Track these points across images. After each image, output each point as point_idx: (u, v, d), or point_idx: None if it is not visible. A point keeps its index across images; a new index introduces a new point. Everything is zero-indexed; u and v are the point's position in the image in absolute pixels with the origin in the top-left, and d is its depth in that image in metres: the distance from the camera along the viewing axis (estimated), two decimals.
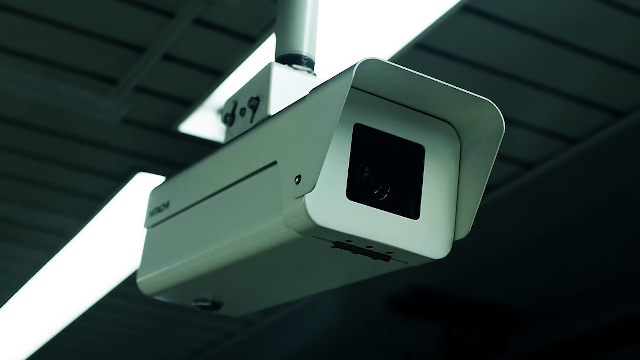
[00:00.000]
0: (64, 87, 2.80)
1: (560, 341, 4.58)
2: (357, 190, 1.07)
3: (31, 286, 4.32)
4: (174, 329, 4.93)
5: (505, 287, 4.20)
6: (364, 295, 4.20)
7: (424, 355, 4.79)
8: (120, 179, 3.37)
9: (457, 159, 1.13)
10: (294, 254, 1.10)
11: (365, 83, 1.07)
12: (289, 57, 1.29)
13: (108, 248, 3.84)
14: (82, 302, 4.42)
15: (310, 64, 1.29)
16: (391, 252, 1.08)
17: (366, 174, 1.09)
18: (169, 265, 1.27)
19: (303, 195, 1.02)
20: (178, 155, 3.18)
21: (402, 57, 2.51)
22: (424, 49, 2.57)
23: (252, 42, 2.54)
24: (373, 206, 1.07)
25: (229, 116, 1.30)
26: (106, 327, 4.86)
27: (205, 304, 1.30)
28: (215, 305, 1.30)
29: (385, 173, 1.10)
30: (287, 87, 1.24)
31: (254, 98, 1.25)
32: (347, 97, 1.00)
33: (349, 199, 1.05)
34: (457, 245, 1.12)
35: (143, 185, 3.35)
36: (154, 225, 1.34)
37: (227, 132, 1.30)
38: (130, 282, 3.92)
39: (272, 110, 1.21)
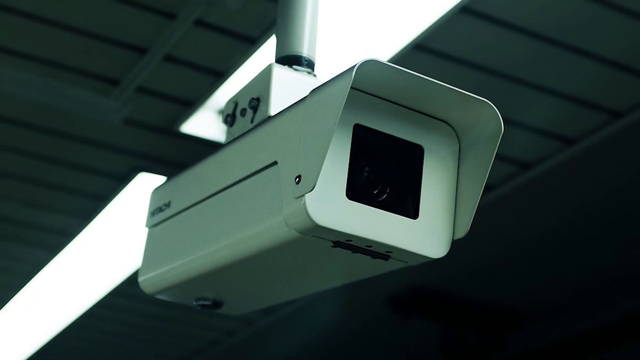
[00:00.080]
0: (66, 87, 2.80)
1: (558, 340, 4.58)
2: (357, 190, 1.07)
3: (33, 285, 4.32)
4: (175, 328, 4.93)
5: (504, 286, 4.20)
6: (364, 294, 4.20)
7: (423, 354, 4.79)
8: (122, 179, 3.37)
9: (456, 159, 1.13)
10: (294, 254, 1.10)
11: (365, 84, 1.07)
12: (289, 58, 1.29)
13: (110, 247, 3.84)
14: (84, 301, 4.43)
15: (310, 65, 1.29)
16: (390, 252, 1.08)
17: (366, 174, 1.09)
18: (170, 265, 1.27)
19: (303, 195, 1.02)
20: (179, 156, 3.18)
21: (402, 58, 2.51)
22: (423, 50, 2.57)
23: (252, 43, 2.54)
24: (372, 206, 1.07)
25: (229, 117, 1.30)
26: (108, 325, 4.86)
27: (206, 302, 1.30)
28: (216, 304, 1.30)
29: (384, 173, 1.10)
30: (287, 88, 1.24)
31: (254, 99, 1.25)
32: (347, 98, 1.00)
33: (349, 198, 1.05)
34: (456, 245, 1.12)
35: (144, 185, 3.35)
36: (155, 225, 1.34)
37: (228, 133, 1.30)
38: (132, 281, 3.92)
39: (273, 111, 1.21)
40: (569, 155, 3.07)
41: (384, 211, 1.07)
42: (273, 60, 1.29)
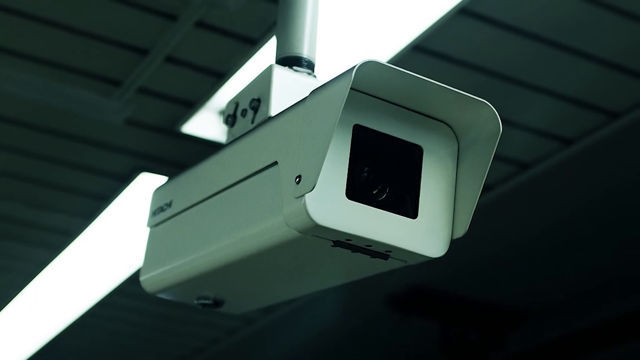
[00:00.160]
0: (68, 88, 2.80)
1: (556, 339, 4.58)
2: (357, 190, 1.07)
3: (36, 285, 4.32)
4: (176, 327, 4.93)
5: (503, 286, 4.20)
6: (363, 293, 4.20)
7: (423, 352, 4.79)
8: (124, 179, 3.37)
9: (454, 160, 1.13)
10: (295, 253, 1.10)
11: (364, 85, 1.07)
12: (290, 59, 1.29)
13: (112, 247, 3.84)
14: (86, 300, 4.43)
15: (310, 66, 1.29)
16: (390, 251, 1.08)
17: (365, 174, 1.09)
18: (171, 264, 1.27)
19: (303, 195, 1.02)
20: (180, 156, 3.18)
21: (401, 59, 2.51)
22: (422, 52, 2.57)
23: (253, 44, 2.54)
24: (372, 206, 1.07)
25: (230, 117, 1.30)
26: (110, 324, 4.86)
27: (207, 301, 1.30)
28: (217, 303, 1.30)
29: (384, 173, 1.10)
30: (287, 89, 1.24)
31: (255, 99, 1.25)
32: (346, 99, 1.00)
33: (349, 198, 1.05)
34: (454, 244, 1.12)
35: (146, 185, 3.35)
36: (156, 225, 1.34)
37: (229, 133, 1.30)
38: (133, 280, 3.92)
39: (273, 112, 1.21)
40: (566, 156, 3.07)
41: (383, 211, 1.07)
42: (273, 61, 1.29)
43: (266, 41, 2.50)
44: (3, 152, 3.25)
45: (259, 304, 1.43)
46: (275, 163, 1.10)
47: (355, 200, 1.05)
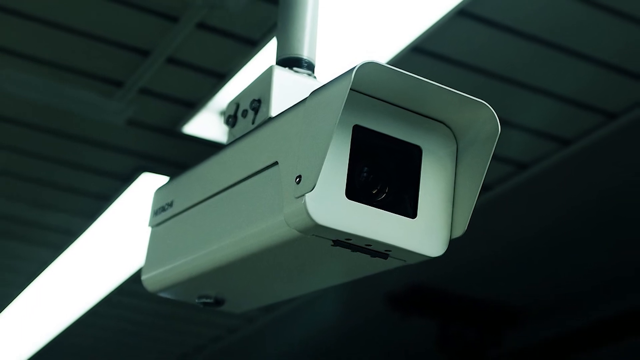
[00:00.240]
0: (70, 89, 2.80)
1: (553, 337, 4.58)
2: (356, 190, 1.07)
3: (38, 284, 4.32)
4: (178, 325, 4.93)
5: (501, 285, 4.20)
6: (363, 292, 4.20)
7: (422, 351, 4.79)
8: (126, 179, 3.37)
9: (453, 160, 1.13)
10: (295, 252, 1.10)
11: (364, 85, 1.07)
12: (290, 60, 1.29)
13: (113, 246, 3.84)
14: (88, 299, 4.43)
15: (310, 67, 1.29)
16: (389, 250, 1.08)
17: (365, 174, 1.09)
18: (173, 263, 1.27)
19: (303, 195, 1.02)
20: (182, 156, 3.18)
21: (400, 60, 2.51)
22: (421, 53, 2.57)
23: (254, 45, 2.54)
24: (372, 205, 1.07)
25: (231, 118, 1.30)
26: (111, 323, 4.86)
27: (208, 300, 1.30)
28: (218, 302, 1.30)
29: (383, 173, 1.10)
30: (288, 90, 1.24)
31: (255, 100, 1.25)
32: (346, 100, 1.00)
33: (348, 198, 1.05)
34: (453, 244, 1.12)
35: (148, 185, 3.35)
36: (158, 224, 1.34)
37: (230, 134, 1.30)
38: (135, 279, 3.93)
39: (274, 112, 1.21)
40: (565, 156, 3.07)
41: (382, 211, 1.07)
42: (274, 62, 1.29)
43: (267, 42, 2.50)
44: (6, 152, 3.25)
45: (260, 303, 1.43)
46: (276, 163, 1.10)
47: (355, 200, 1.05)
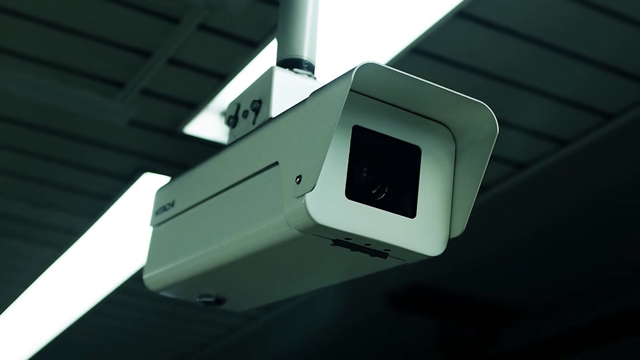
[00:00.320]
0: (73, 90, 2.80)
1: (550, 336, 4.58)
2: (356, 190, 1.07)
3: (40, 283, 4.32)
4: (179, 324, 4.93)
5: (499, 284, 4.20)
6: (363, 291, 4.20)
7: (421, 349, 4.79)
8: (127, 179, 3.37)
9: (452, 160, 1.13)
10: (295, 252, 1.10)
11: (363, 86, 1.07)
12: (290, 62, 1.28)
13: (115, 246, 3.84)
14: (90, 298, 4.42)
15: (310, 68, 1.29)
16: (389, 250, 1.08)
17: (365, 174, 1.09)
18: (174, 262, 1.27)
19: (304, 195, 1.02)
20: (183, 156, 3.18)
21: (399, 61, 2.51)
22: (421, 54, 2.57)
23: (254, 46, 2.54)
24: (371, 205, 1.07)
25: (232, 118, 1.30)
26: (114, 322, 4.86)
27: (209, 299, 1.30)
28: (219, 301, 1.30)
29: (383, 173, 1.10)
30: (288, 91, 1.24)
31: (256, 101, 1.25)
32: (346, 100, 1.00)
33: (348, 198, 1.05)
34: (452, 243, 1.12)
35: (149, 185, 3.35)
36: (159, 224, 1.34)
37: (230, 134, 1.30)
38: (137, 278, 3.93)
39: (274, 113, 1.21)
40: (562, 156, 3.07)
41: (382, 210, 1.07)
42: (274, 63, 1.29)
43: (267, 44, 2.50)
44: (9, 153, 3.25)
45: (260, 302, 1.43)
46: (276, 163, 1.10)
47: (355, 200, 1.05)
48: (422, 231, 1.09)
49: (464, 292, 4.31)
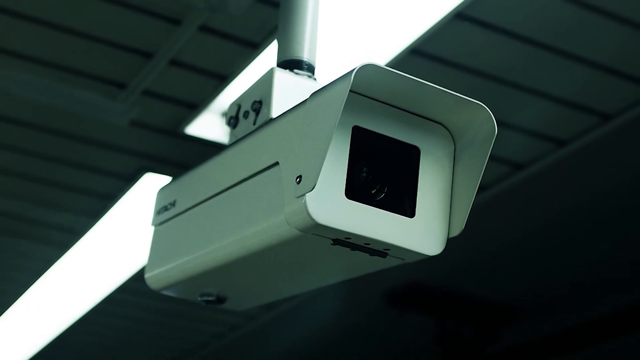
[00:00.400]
0: (75, 91, 2.80)
1: (548, 334, 4.58)
2: (356, 190, 1.07)
3: (43, 282, 4.32)
4: (180, 323, 4.93)
5: (497, 283, 4.20)
6: (363, 290, 4.20)
7: (419, 347, 4.79)
8: (129, 179, 3.37)
9: (451, 160, 1.13)
10: (295, 251, 1.10)
11: (363, 87, 1.07)
12: (291, 63, 1.28)
13: (117, 245, 3.84)
14: (93, 296, 4.42)
15: (310, 69, 1.29)
16: (388, 249, 1.08)
17: (364, 174, 1.09)
18: (175, 262, 1.27)
19: (304, 195, 1.02)
20: (184, 157, 3.18)
21: (399, 62, 2.51)
22: (420, 55, 2.57)
23: (255, 48, 2.54)
24: (371, 205, 1.07)
25: (232, 119, 1.30)
26: (115, 320, 4.86)
27: (210, 298, 1.29)
28: (220, 300, 1.30)
29: (382, 173, 1.10)
30: (288, 91, 1.24)
31: (257, 101, 1.25)
32: (345, 101, 1.00)
33: (348, 198, 1.05)
34: (451, 243, 1.12)
35: (151, 185, 3.35)
36: (161, 223, 1.34)
37: (231, 134, 1.30)
38: (138, 277, 3.92)
39: (274, 113, 1.21)
40: (560, 157, 3.07)
41: (381, 210, 1.07)
42: (275, 64, 1.29)
43: (268, 45, 2.50)
44: (12, 153, 3.25)
45: (261, 301, 1.43)
46: (277, 163, 1.10)
47: (355, 200, 1.05)
48: (421, 231, 1.09)
49: (463, 291, 4.31)
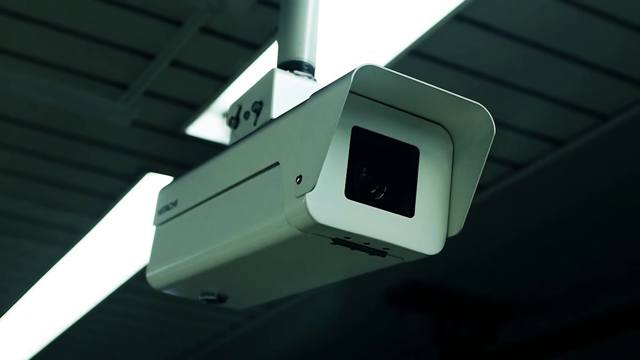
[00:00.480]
0: (77, 92, 2.80)
1: (545, 333, 4.58)
2: (355, 190, 1.07)
3: (46, 281, 4.32)
4: (181, 321, 4.93)
5: (495, 282, 4.20)
6: (362, 289, 4.20)
7: (418, 346, 4.79)
8: (131, 179, 3.37)
9: (450, 160, 1.13)
10: (296, 250, 1.10)
11: (363, 88, 1.07)
12: (291, 64, 1.28)
13: (119, 244, 3.84)
14: (95, 295, 4.42)
15: (310, 69, 1.29)
16: (387, 248, 1.08)
17: (364, 174, 1.09)
18: (176, 261, 1.27)
19: (304, 195, 1.02)
20: (185, 157, 3.18)
21: (398, 63, 2.51)
22: (419, 56, 2.57)
23: (255, 49, 2.54)
24: (370, 205, 1.07)
25: (233, 119, 1.30)
26: (117, 319, 4.86)
27: (211, 297, 1.29)
28: (221, 299, 1.30)
29: (382, 173, 1.10)
30: (288, 92, 1.24)
31: (257, 102, 1.25)
32: (345, 102, 1.00)
33: (348, 198, 1.05)
34: (449, 242, 1.11)
35: (152, 185, 3.35)
36: (162, 223, 1.34)
37: (232, 135, 1.30)
38: (140, 276, 3.93)
39: (275, 114, 1.21)
40: (558, 157, 3.07)
41: (381, 210, 1.07)
42: (275, 65, 1.29)
43: (268, 46, 2.50)
44: (15, 153, 3.25)
45: (262, 300, 1.43)
46: (277, 164, 1.10)
47: (354, 200, 1.05)
48: (420, 230, 1.09)
49: (461, 290, 4.31)
